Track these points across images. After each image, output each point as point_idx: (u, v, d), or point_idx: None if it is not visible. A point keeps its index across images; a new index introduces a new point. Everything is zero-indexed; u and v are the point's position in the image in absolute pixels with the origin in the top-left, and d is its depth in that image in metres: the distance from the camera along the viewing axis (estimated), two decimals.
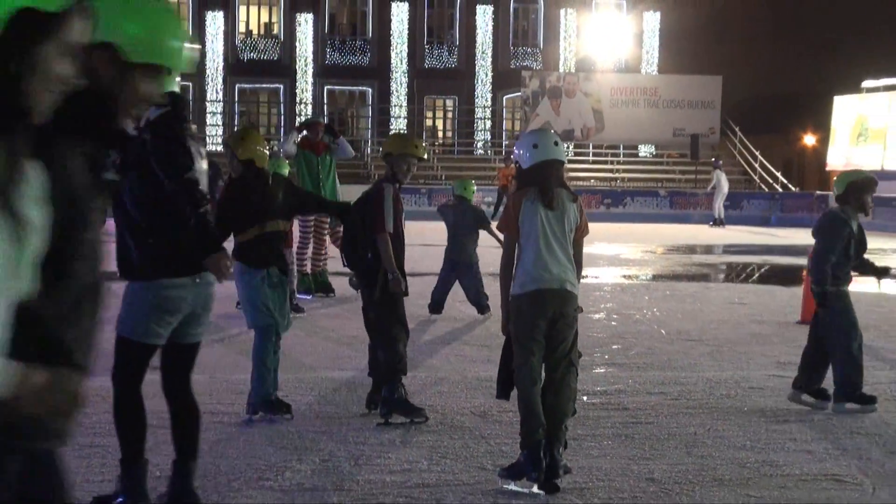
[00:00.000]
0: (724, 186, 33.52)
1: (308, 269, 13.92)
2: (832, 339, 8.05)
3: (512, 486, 5.84)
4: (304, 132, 14.15)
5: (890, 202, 32.20)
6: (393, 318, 7.43)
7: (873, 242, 30.86)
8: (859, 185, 8.16)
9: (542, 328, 5.90)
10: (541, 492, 5.73)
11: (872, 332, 11.83)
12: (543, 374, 5.99)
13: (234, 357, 9.46)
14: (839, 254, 8.02)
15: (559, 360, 5.93)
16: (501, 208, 27.08)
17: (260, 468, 6.14)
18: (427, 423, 7.27)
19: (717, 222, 33.28)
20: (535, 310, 5.91)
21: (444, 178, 36.83)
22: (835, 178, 8.58)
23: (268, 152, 7.75)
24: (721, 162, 35.60)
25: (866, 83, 36.81)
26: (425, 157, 7.93)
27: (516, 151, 6.36)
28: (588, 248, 24.09)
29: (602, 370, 9.56)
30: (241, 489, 5.76)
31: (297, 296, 13.34)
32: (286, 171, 12.62)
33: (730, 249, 24.42)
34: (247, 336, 7.49)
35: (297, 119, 43.79)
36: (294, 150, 13.75)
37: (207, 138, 42.34)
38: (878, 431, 7.35)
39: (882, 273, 8.65)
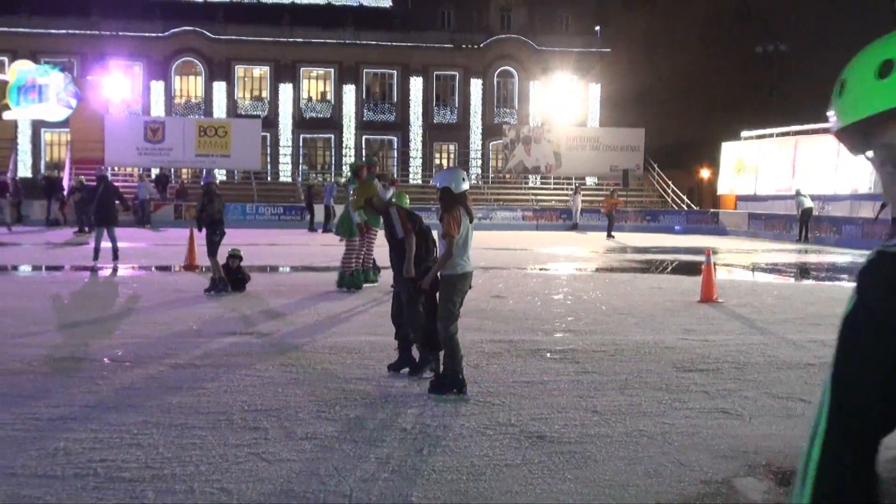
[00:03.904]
0: (578, 204, 35.03)
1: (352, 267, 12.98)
2: None
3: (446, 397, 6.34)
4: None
5: (760, 216, 32.21)
6: (412, 307, 7.06)
7: (749, 245, 30.41)
8: None
9: (464, 294, 6.58)
10: (462, 394, 6.35)
11: (748, 308, 11.81)
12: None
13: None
14: None
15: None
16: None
17: (319, 404, 6.15)
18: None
19: (573, 226, 34.66)
20: (464, 284, 6.54)
21: None
22: None
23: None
24: (579, 188, 36.42)
25: (744, 133, 36.76)
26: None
27: (445, 180, 6.51)
28: (550, 249, 23.71)
29: (560, 335, 9.52)
30: (305, 419, 5.76)
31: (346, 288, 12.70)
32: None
33: (650, 250, 24.32)
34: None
35: (343, 158, 43.80)
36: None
37: (279, 172, 42.50)
38: (754, 378, 7.33)
39: None
